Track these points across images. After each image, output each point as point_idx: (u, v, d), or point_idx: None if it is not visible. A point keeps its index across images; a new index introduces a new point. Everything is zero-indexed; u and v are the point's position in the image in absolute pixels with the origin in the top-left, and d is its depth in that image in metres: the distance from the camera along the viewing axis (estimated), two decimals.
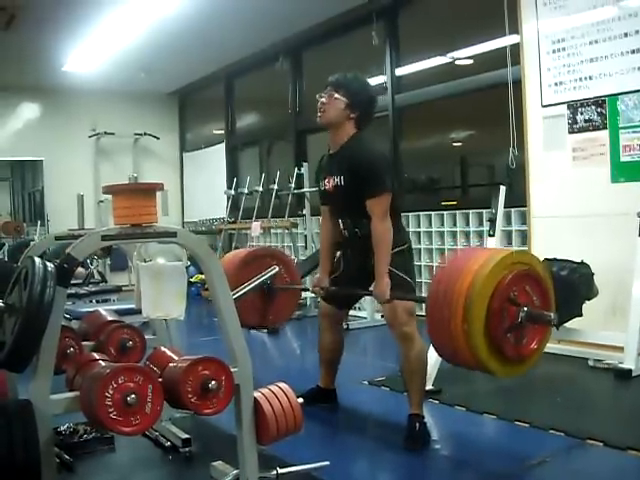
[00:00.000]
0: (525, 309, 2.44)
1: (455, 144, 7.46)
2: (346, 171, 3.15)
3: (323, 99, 3.22)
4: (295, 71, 8.34)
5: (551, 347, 4.54)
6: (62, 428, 3.00)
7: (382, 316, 3.19)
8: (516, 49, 5.16)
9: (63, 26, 6.73)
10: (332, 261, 3.46)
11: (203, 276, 2.61)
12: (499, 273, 2.42)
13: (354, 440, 3.22)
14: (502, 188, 4.97)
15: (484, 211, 5.64)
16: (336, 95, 3.18)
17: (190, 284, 7.67)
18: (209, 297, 2.42)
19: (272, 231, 8.42)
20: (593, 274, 4.22)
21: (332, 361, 3.61)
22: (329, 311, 3.54)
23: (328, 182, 3.27)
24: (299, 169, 7.47)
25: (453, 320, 2.41)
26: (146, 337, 2.95)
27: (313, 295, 6.82)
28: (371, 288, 3.17)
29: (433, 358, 3.56)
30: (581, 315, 4.19)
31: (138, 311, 2.69)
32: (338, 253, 3.45)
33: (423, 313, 2.66)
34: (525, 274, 2.49)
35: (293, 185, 7.57)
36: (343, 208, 3.29)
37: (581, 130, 4.75)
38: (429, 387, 3.57)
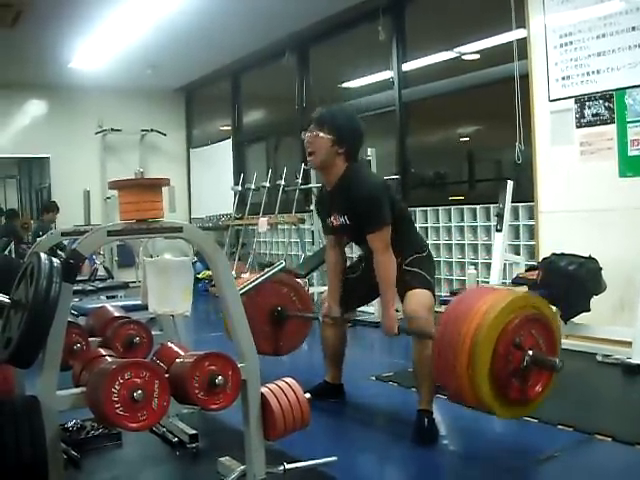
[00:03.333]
0: (530, 353, 2.42)
1: (462, 139, 7.45)
2: (347, 210, 3.17)
3: (308, 138, 3.17)
4: (301, 67, 8.30)
5: None
6: (69, 424, 3.00)
7: (397, 310, 3.15)
8: (523, 43, 5.14)
9: (69, 23, 6.74)
10: (340, 289, 3.41)
11: (210, 272, 2.61)
12: (506, 317, 2.41)
13: (362, 435, 3.21)
14: (509, 183, 4.97)
15: (491, 206, 5.65)
16: (321, 134, 3.12)
17: (197, 280, 7.69)
18: (216, 293, 2.42)
19: (279, 227, 8.42)
20: (601, 269, 4.20)
21: (336, 355, 3.60)
22: None
23: (335, 220, 3.26)
24: (306, 165, 7.47)
25: (458, 364, 2.42)
26: (153, 333, 2.96)
27: (318, 292, 6.89)
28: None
29: None
30: (589, 310, 4.18)
31: (145, 307, 2.69)
32: (359, 253, 3.44)
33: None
34: (532, 318, 2.48)
35: (300, 181, 7.59)
36: (353, 240, 3.41)
37: (589, 124, 4.72)
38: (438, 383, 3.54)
